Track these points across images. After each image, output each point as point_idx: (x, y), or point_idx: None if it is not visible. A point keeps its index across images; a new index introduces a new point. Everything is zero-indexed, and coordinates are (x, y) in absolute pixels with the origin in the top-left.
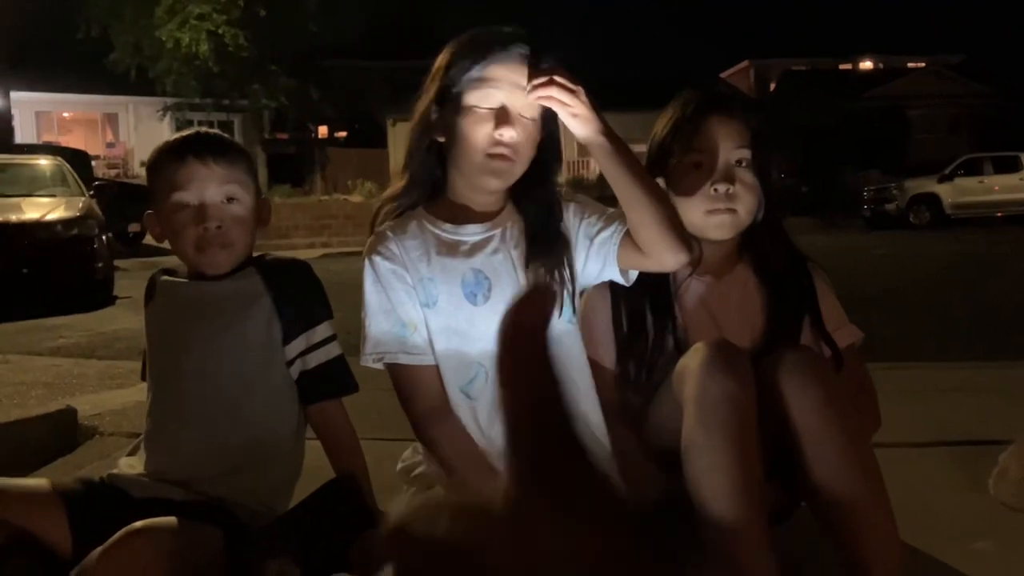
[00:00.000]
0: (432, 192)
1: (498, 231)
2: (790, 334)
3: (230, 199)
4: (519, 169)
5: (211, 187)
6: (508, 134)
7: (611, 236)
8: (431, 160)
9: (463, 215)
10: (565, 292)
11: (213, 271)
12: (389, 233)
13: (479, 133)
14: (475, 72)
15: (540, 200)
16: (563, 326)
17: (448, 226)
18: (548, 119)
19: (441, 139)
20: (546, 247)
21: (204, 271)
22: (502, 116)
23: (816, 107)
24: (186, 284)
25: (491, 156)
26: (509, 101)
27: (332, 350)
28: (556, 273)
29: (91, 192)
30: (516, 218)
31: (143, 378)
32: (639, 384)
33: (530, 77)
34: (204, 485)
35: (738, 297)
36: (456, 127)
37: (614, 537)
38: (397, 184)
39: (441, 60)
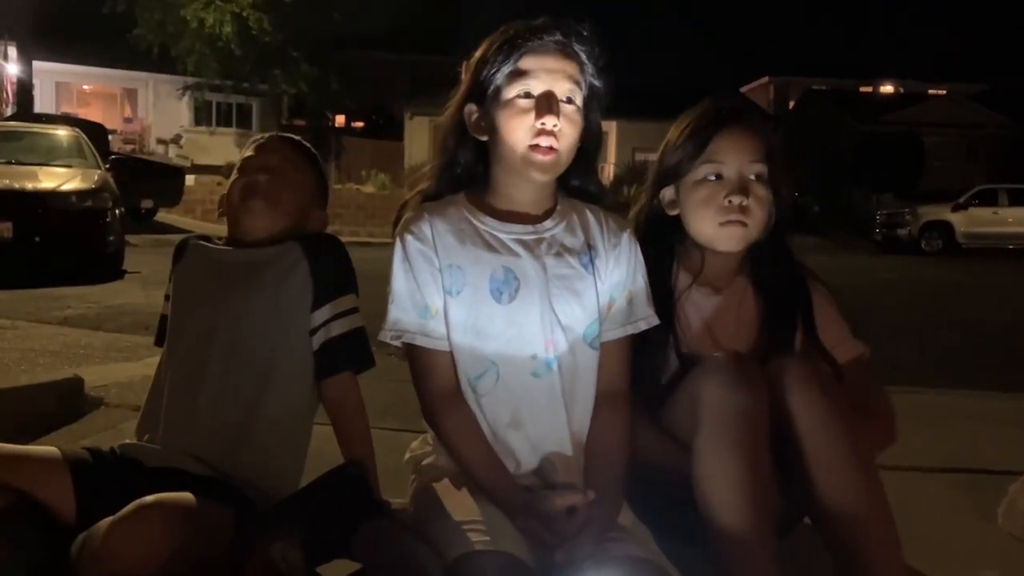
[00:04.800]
0: (468, 184)
1: (540, 236)
2: (783, 348)
3: (283, 171)
4: (565, 158)
5: (274, 157)
6: (551, 121)
7: (615, 324)
8: (468, 157)
9: (507, 214)
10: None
11: (249, 222)
12: (425, 214)
13: (521, 125)
14: (511, 65)
15: (583, 182)
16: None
17: (490, 220)
18: (590, 105)
19: (483, 138)
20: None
21: (242, 221)
22: (542, 105)
23: (834, 127)
24: (224, 249)
25: (533, 148)
26: (548, 89)
27: (356, 320)
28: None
29: (107, 166)
30: (562, 226)
31: (157, 343)
32: (647, 390)
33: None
34: (216, 458)
35: (735, 309)
36: (497, 123)
37: None
38: (426, 180)
39: (476, 58)
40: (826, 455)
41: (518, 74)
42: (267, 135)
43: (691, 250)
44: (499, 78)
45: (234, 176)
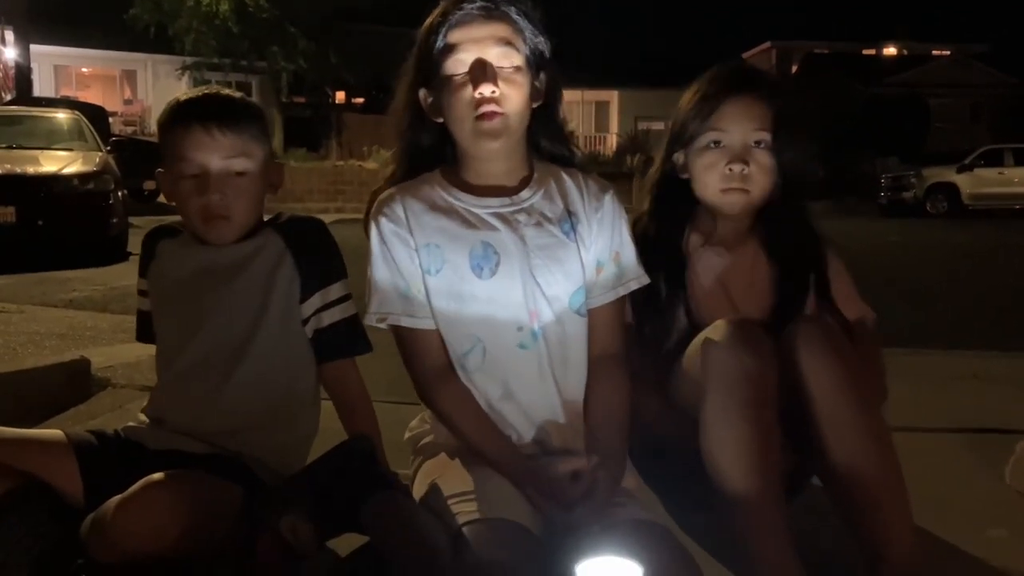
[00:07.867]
0: (439, 163)
1: (519, 207)
2: (795, 307)
3: (236, 172)
4: (515, 120)
5: (214, 158)
6: (487, 89)
7: (606, 288)
8: (432, 140)
9: (483, 188)
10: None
11: (217, 242)
12: (396, 195)
13: (461, 100)
14: (440, 42)
15: (553, 144)
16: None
17: (465, 196)
18: (538, 61)
19: (440, 120)
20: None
21: (210, 237)
22: (476, 75)
23: (837, 91)
24: (203, 248)
25: (478, 118)
26: (478, 58)
27: (347, 309)
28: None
29: (108, 148)
30: (540, 195)
31: (140, 338)
32: (655, 354)
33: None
34: (222, 439)
35: (748, 269)
36: (444, 102)
37: None
38: (392, 166)
39: (417, 43)
40: (839, 417)
41: (448, 50)
42: (178, 105)
43: (702, 212)
44: (436, 57)
45: (172, 167)
